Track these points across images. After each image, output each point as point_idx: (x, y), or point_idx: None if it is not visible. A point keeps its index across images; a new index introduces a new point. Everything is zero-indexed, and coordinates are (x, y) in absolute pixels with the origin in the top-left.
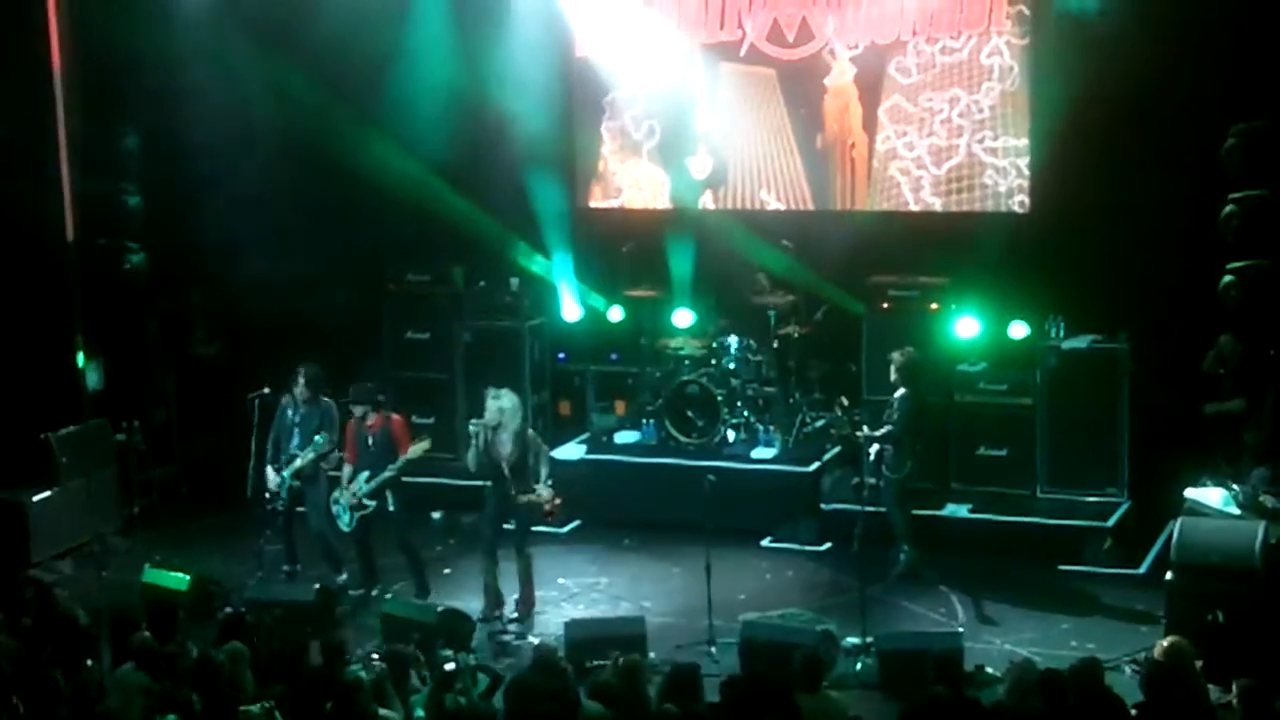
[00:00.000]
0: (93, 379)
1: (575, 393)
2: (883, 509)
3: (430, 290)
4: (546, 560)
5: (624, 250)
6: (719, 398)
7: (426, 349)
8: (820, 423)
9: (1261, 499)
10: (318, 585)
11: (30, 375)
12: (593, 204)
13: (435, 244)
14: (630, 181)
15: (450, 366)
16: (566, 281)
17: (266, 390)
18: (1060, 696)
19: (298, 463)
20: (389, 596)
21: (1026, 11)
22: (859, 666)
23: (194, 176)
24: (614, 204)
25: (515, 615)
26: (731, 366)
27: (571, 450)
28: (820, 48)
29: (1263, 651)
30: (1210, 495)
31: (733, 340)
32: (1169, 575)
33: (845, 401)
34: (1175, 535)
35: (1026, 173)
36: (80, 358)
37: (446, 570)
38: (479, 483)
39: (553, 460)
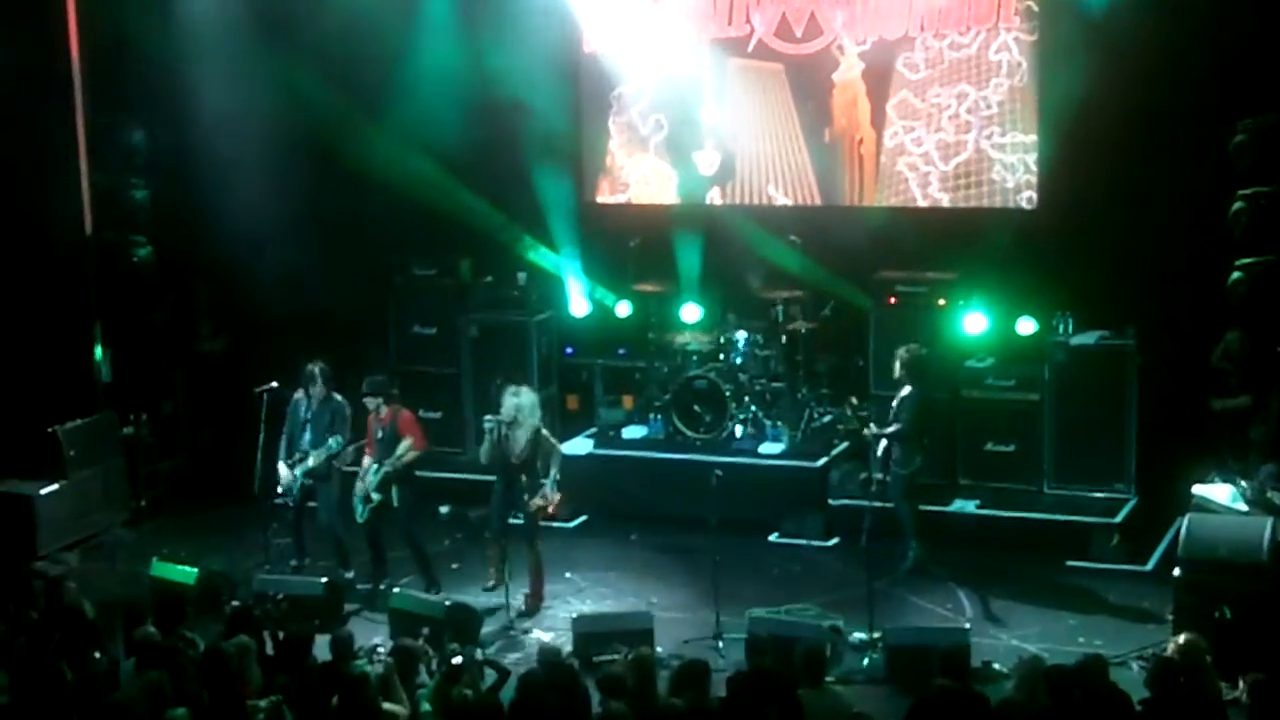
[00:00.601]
0: (101, 372)
1: (583, 387)
2: (890, 504)
3: (437, 284)
4: (554, 554)
5: (631, 245)
6: (726, 393)
7: (433, 343)
8: (828, 418)
9: (1269, 495)
10: (325, 579)
11: (44, 368)
12: (600, 199)
13: (442, 238)
14: (638, 176)
15: (457, 360)
16: (574, 276)
17: (274, 384)
18: (1067, 692)
19: (310, 461)
20: (397, 590)
21: (1035, 7)
22: (866, 661)
23: (201, 171)
24: (621, 199)
25: (523, 609)
26: (739, 361)
27: (579, 445)
28: (828, 43)
29: (1270, 647)
30: (1218, 491)
31: (740, 335)
32: (1176, 571)
33: (855, 400)
34: (1183, 531)
35: (1034, 168)
36: (98, 351)
37: (455, 565)
38: (486, 477)
39: (563, 460)
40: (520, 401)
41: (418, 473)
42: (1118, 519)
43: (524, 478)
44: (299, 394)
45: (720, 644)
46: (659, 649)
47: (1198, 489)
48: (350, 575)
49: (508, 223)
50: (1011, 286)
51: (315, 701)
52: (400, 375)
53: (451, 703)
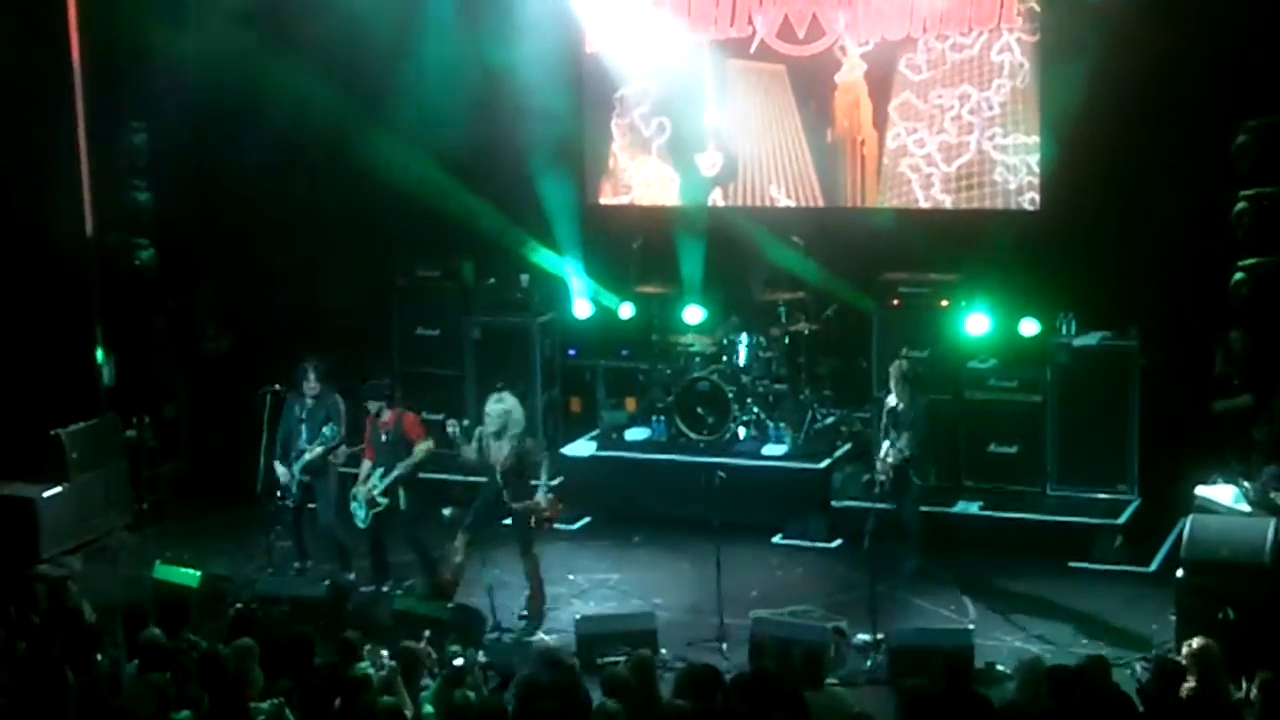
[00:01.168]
0: (103, 375)
1: (585, 389)
2: (898, 510)
3: (440, 286)
4: (557, 557)
5: (634, 247)
6: (729, 394)
7: (436, 345)
8: (830, 419)
9: (1272, 496)
10: (328, 581)
11: (46, 371)
12: (603, 200)
13: (445, 240)
14: (640, 178)
15: (460, 362)
16: (577, 278)
17: (277, 386)
18: (1070, 693)
19: (306, 457)
20: (400, 593)
21: (1037, 8)
22: (869, 663)
23: (204, 173)
24: (624, 200)
25: (525, 613)
26: (742, 363)
27: (582, 447)
28: (831, 44)
29: (1273, 648)
30: (1221, 492)
31: (743, 337)
32: (1179, 573)
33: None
34: (1186, 532)
35: (1037, 170)
36: (100, 354)
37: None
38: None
39: (554, 463)
40: (507, 409)
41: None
42: (1120, 520)
43: (508, 486)
44: (292, 394)
45: (724, 646)
46: (662, 651)
47: (1200, 490)
48: (352, 577)
49: (510, 225)
50: (1014, 288)
51: (317, 704)
52: (403, 377)
53: (454, 705)
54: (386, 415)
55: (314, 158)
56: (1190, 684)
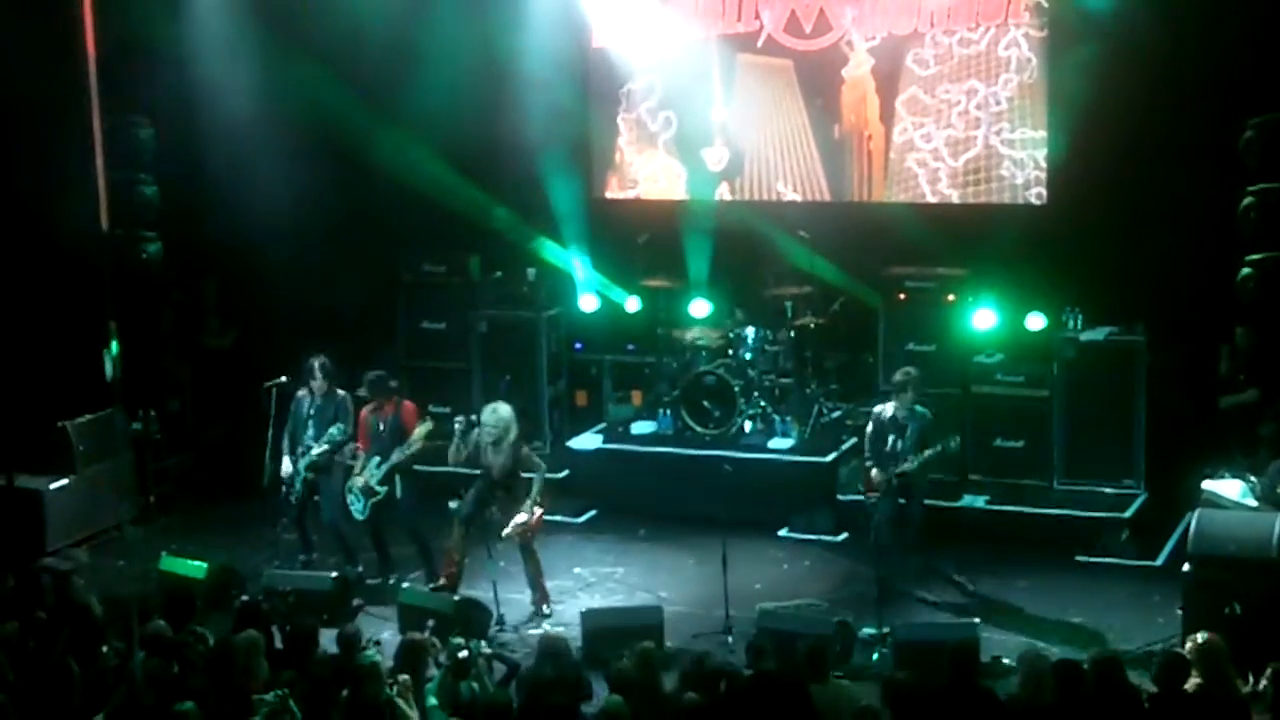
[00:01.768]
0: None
1: (592, 383)
2: (906, 507)
3: (446, 280)
4: (562, 550)
5: (640, 241)
6: (736, 388)
7: (442, 339)
8: (837, 413)
9: (1278, 490)
10: (335, 574)
11: (54, 364)
12: (609, 195)
13: (451, 234)
14: (646, 172)
15: (466, 356)
16: (583, 272)
17: (283, 379)
18: (1077, 687)
19: (313, 454)
20: (406, 585)
21: (1044, 3)
22: (875, 657)
23: (210, 167)
24: (630, 195)
25: (532, 609)
26: (748, 357)
27: (588, 440)
28: (838, 39)
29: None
30: (1227, 487)
31: (749, 331)
32: (1186, 567)
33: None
34: (1192, 527)
35: (1044, 165)
36: (114, 346)
37: (465, 560)
38: None
39: (544, 480)
40: (503, 418)
41: (416, 466)
42: (1127, 514)
43: (500, 494)
44: (301, 391)
45: (730, 639)
46: (668, 644)
47: (1207, 484)
48: (359, 570)
49: (517, 219)
50: (1021, 283)
51: (322, 696)
52: (409, 371)
53: (458, 697)
54: (381, 404)
55: (320, 152)
56: (1196, 679)
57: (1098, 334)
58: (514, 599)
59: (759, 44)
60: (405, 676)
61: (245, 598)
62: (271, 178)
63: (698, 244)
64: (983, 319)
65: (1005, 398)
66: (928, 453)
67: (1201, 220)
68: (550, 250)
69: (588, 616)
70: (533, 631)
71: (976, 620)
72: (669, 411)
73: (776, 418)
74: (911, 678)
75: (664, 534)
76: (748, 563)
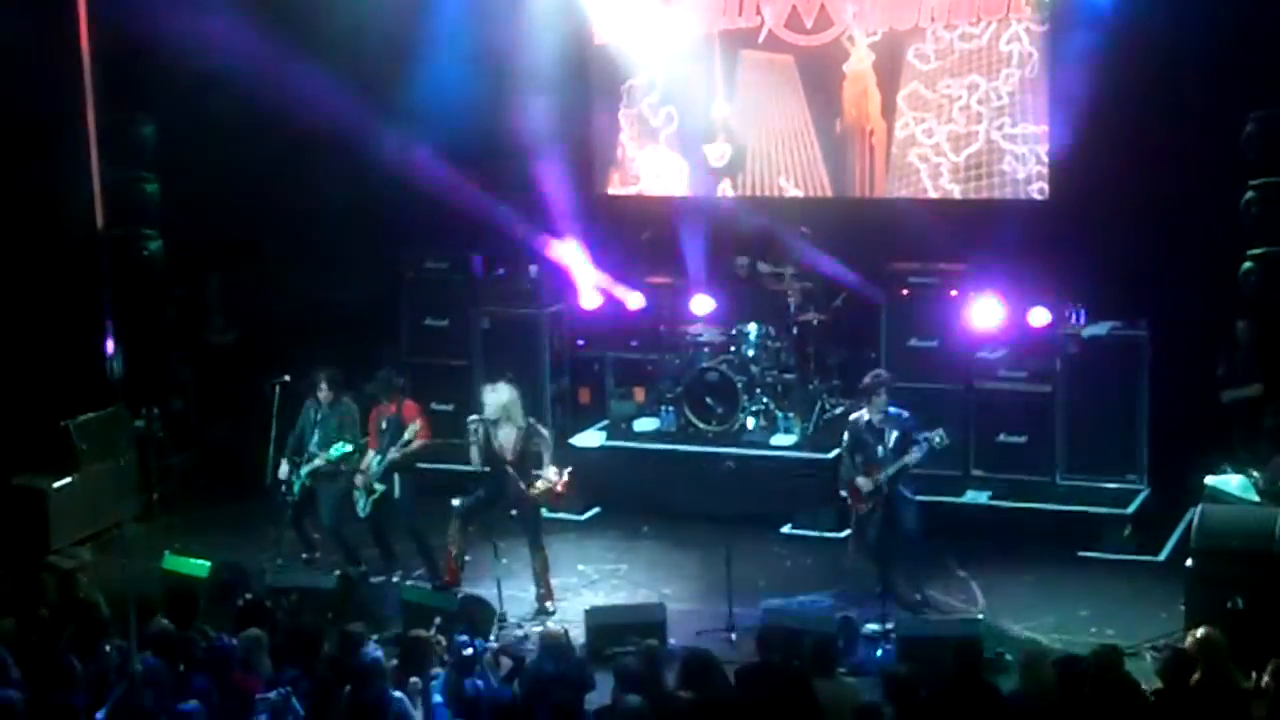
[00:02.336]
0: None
1: (594, 379)
2: (898, 527)
3: (448, 277)
4: (566, 547)
5: (643, 237)
6: (738, 385)
7: (445, 336)
8: (839, 409)
9: None
10: (339, 572)
11: (56, 362)
12: (611, 191)
13: (453, 231)
14: (649, 168)
15: (468, 353)
16: (585, 268)
17: (286, 377)
18: (1079, 682)
19: (316, 462)
20: (409, 583)
21: None
22: (879, 653)
23: (211, 164)
24: (632, 191)
25: (537, 606)
26: (751, 353)
27: (591, 437)
28: (839, 34)
29: None
30: (1230, 482)
31: (752, 327)
32: (1189, 562)
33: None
34: (1195, 522)
35: (1045, 159)
36: (110, 344)
37: (467, 557)
38: None
39: (574, 451)
40: (501, 398)
41: (422, 465)
42: (1130, 509)
43: (521, 473)
44: (309, 400)
45: (733, 636)
46: (671, 641)
47: (1210, 479)
48: (363, 569)
49: (519, 216)
50: (1023, 278)
51: (325, 694)
52: (411, 368)
53: (463, 694)
54: (386, 403)
55: (323, 149)
56: (1199, 674)
57: (1100, 329)
58: (518, 596)
59: (760, 39)
60: (416, 680)
61: (248, 596)
62: (274, 175)
63: (700, 240)
64: (985, 314)
65: (1008, 393)
66: (908, 458)
67: (1203, 214)
68: (552, 246)
69: (591, 614)
70: (536, 629)
71: (979, 616)
72: (672, 408)
73: (779, 414)
74: (912, 670)
75: (667, 531)
76: (751, 559)
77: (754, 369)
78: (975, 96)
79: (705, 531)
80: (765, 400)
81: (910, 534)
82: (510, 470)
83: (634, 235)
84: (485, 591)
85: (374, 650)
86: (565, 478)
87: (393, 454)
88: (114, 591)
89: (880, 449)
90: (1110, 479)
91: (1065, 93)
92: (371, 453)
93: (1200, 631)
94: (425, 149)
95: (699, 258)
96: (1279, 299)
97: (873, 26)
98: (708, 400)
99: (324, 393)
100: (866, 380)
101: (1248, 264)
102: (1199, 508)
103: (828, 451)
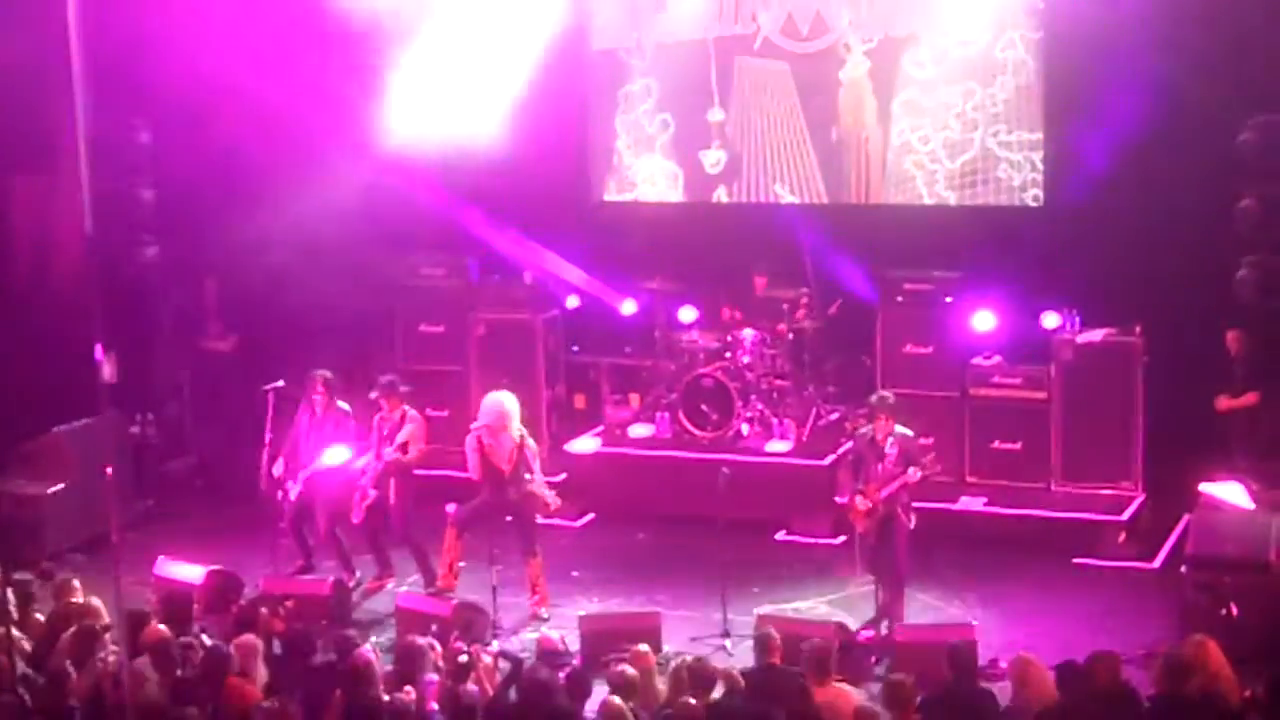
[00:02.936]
0: (106, 372)
1: (589, 386)
2: (888, 552)
3: (444, 283)
4: (561, 553)
5: (638, 243)
6: (733, 391)
7: (440, 341)
8: (834, 416)
9: (1275, 492)
10: (332, 578)
11: (51, 368)
12: (607, 197)
13: (449, 237)
14: (645, 175)
15: (464, 359)
16: (581, 274)
17: (281, 383)
18: (1075, 689)
19: (312, 468)
20: (404, 589)
21: (1041, 5)
22: (874, 659)
23: (208, 170)
24: (628, 197)
25: (532, 613)
26: (746, 360)
27: (586, 443)
28: (834, 41)
29: (1277, 645)
30: (1225, 489)
31: (747, 333)
32: (1183, 569)
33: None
34: (1189, 529)
35: (1040, 166)
36: (98, 350)
37: (461, 563)
38: None
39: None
40: (501, 406)
41: (418, 471)
42: (1125, 517)
43: (514, 481)
44: (303, 405)
45: (728, 642)
46: (666, 648)
47: (1205, 487)
48: (358, 576)
49: (515, 222)
50: (1018, 284)
51: (319, 700)
52: (407, 373)
53: (459, 701)
54: (387, 408)
55: (319, 154)
56: (1195, 681)
57: (1095, 335)
58: (513, 603)
59: (756, 46)
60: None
61: (243, 602)
62: (269, 180)
63: (695, 246)
64: (980, 321)
65: (1003, 400)
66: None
67: (1198, 221)
68: (548, 253)
69: (586, 620)
70: (531, 635)
71: (974, 622)
72: (667, 414)
73: (774, 420)
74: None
75: (662, 537)
76: (746, 566)
77: (749, 375)
78: (970, 103)
79: (700, 538)
80: (760, 406)
81: (896, 554)
82: (504, 479)
83: (630, 241)
84: (480, 598)
85: (368, 653)
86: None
87: (389, 455)
88: (108, 598)
89: (880, 467)
90: (1105, 486)
91: (1060, 100)
92: (370, 458)
93: (1196, 638)
94: (421, 154)
95: (694, 264)
96: (1274, 306)
97: (868, 34)
98: (703, 406)
99: (319, 395)
100: (873, 399)
101: (1243, 271)
102: (1194, 515)
103: (823, 458)
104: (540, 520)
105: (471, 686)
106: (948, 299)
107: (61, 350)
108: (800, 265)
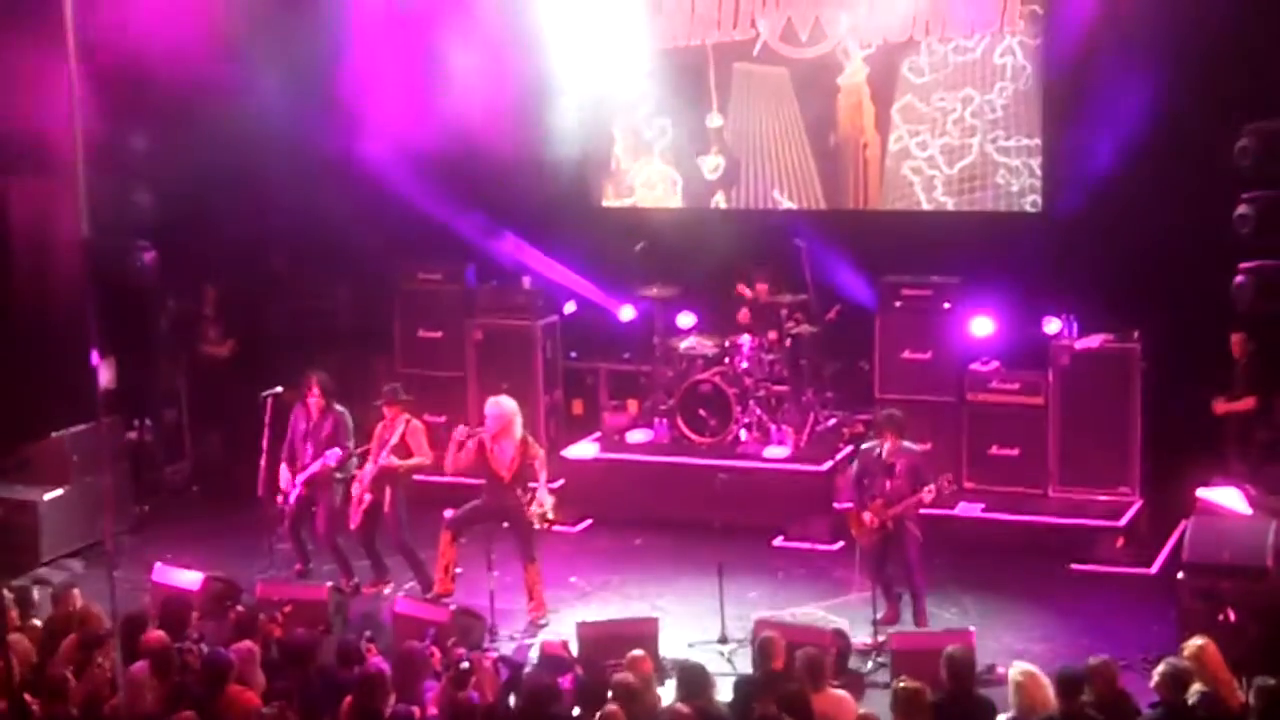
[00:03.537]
0: (104, 378)
1: (587, 391)
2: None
3: (442, 288)
4: (558, 560)
5: (636, 249)
6: (731, 396)
7: (438, 347)
8: (832, 421)
9: (1272, 498)
10: (330, 584)
11: (48, 373)
12: (605, 203)
13: (447, 243)
14: (643, 180)
15: (462, 365)
16: (579, 280)
17: (279, 389)
18: (1074, 695)
19: (311, 469)
20: (401, 595)
21: (1039, 11)
22: (871, 665)
23: (206, 175)
24: (626, 203)
25: (530, 620)
26: (744, 365)
27: (584, 449)
28: (833, 47)
29: (1274, 651)
30: (1222, 495)
31: (745, 339)
32: (1181, 575)
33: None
34: (1187, 534)
35: (1039, 172)
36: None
37: (458, 569)
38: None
39: (564, 464)
40: (505, 411)
41: (419, 477)
42: (1122, 522)
43: (516, 491)
44: (299, 407)
45: (725, 648)
46: (663, 654)
47: (1202, 492)
48: (355, 581)
49: (513, 227)
50: (1016, 290)
51: (319, 706)
52: (405, 379)
53: (459, 707)
54: (388, 414)
55: (317, 161)
56: (1197, 686)
57: (1093, 341)
58: (510, 609)
59: (755, 52)
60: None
61: (240, 608)
62: (268, 185)
63: (693, 252)
64: (978, 326)
65: (1000, 405)
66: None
67: (1196, 227)
68: (546, 258)
69: (584, 626)
70: (528, 641)
71: (972, 628)
72: (665, 420)
73: (772, 426)
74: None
75: (660, 543)
76: (744, 572)
77: (747, 381)
78: (969, 109)
79: (698, 543)
80: (758, 412)
81: (910, 566)
82: (505, 486)
83: (628, 247)
84: (477, 603)
85: (381, 662)
86: (555, 507)
87: (384, 460)
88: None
89: (888, 484)
90: (1102, 491)
91: (1059, 106)
92: (370, 465)
93: (1196, 643)
94: (419, 159)
95: (693, 270)
96: (1271, 312)
97: (867, 39)
98: (701, 412)
99: (315, 397)
100: (881, 416)
101: (1240, 277)
102: (1191, 520)
103: (821, 463)
104: (538, 527)
105: (472, 693)
106: (946, 305)
107: (58, 355)
108: (799, 271)
